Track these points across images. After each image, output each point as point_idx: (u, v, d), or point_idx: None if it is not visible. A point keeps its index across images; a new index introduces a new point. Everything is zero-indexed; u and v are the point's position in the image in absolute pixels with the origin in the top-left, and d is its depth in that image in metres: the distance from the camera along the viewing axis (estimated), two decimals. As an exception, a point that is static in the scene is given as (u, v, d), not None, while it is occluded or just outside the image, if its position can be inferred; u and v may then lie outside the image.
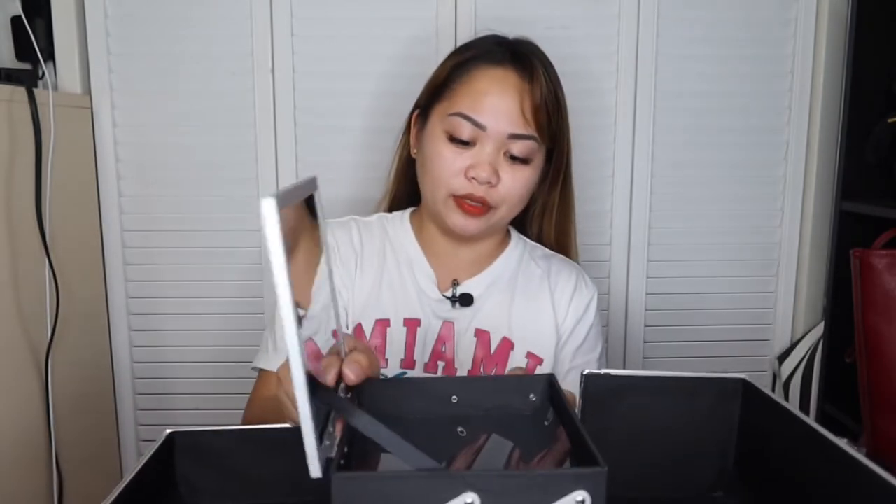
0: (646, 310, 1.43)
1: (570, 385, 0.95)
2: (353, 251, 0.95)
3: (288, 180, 1.35)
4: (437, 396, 0.57)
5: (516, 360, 0.92)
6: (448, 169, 0.87)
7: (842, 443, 0.51)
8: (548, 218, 1.02)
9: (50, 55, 1.28)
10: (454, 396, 0.57)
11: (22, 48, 1.25)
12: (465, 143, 0.87)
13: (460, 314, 0.93)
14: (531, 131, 0.87)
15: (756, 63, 1.36)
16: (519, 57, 0.89)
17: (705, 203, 1.40)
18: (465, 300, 0.93)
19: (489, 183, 0.86)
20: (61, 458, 1.16)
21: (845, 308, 1.22)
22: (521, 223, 1.04)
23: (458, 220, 0.88)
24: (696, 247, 1.42)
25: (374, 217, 1.00)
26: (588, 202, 1.39)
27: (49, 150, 1.12)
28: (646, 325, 1.44)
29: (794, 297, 1.45)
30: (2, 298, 1.05)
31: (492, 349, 0.92)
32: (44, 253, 1.12)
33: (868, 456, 1.13)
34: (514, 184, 0.88)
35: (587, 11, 1.33)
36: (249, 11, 1.30)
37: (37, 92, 1.11)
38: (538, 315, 0.96)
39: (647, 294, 1.43)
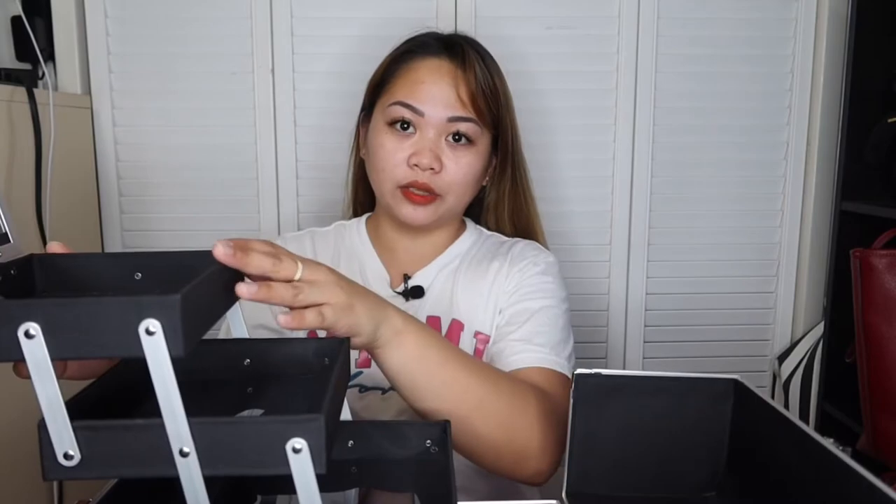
0: (646, 310, 1.43)
1: (521, 361, 0.83)
2: None
3: (288, 180, 1.35)
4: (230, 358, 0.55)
5: (466, 341, 0.90)
6: (391, 159, 0.88)
7: (828, 443, 0.51)
8: (501, 209, 1.01)
9: (50, 55, 1.28)
10: (247, 360, 0.56)
11: (22, 48, 1.25)
12: (406, 130, 0.88)
13: (413, 307, 0.92)
14: (470, 114, 0.88)
15: (756, 63, 1.36)
16: (452, 47, 0.91)
17: (705, 203, 1.40)
18: (416, 292, 0.92)
19: (432, 169, 0.87)
20: (61, 458, 1.16)
21: (845, 308, 1.22)
22: (477, 218, 1.03)
23: (408, 211, 0.88)
24: (696, 247, 1.42)
25: (333, 226, 1.01)
26: (588, 202, 1.39)
27: (49, 150, 1.12)
28: (646, 325, 1.44)
29: (794, 297, 1.45)
30: (2, 298, 1.05)
31: (442, 333, 0.91)
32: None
33: (864, 456, 1.13)
34: (458, 169, 0.89)
35: (587, 11, 1.33)
36: (249, 11, 1.30)
37: (37, 92, 1.11)
38: (480, 292, 0.93)
39: (647, 294, 1.43)
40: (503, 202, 1.01)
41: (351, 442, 0.57)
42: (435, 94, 0.87)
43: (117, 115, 1.33)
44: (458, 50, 0.90)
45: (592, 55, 1.35)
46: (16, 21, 1.24)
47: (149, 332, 0.37)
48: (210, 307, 0.44)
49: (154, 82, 1.32)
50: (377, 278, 0.94)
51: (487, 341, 0.90)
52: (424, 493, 0.56)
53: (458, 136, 0.88)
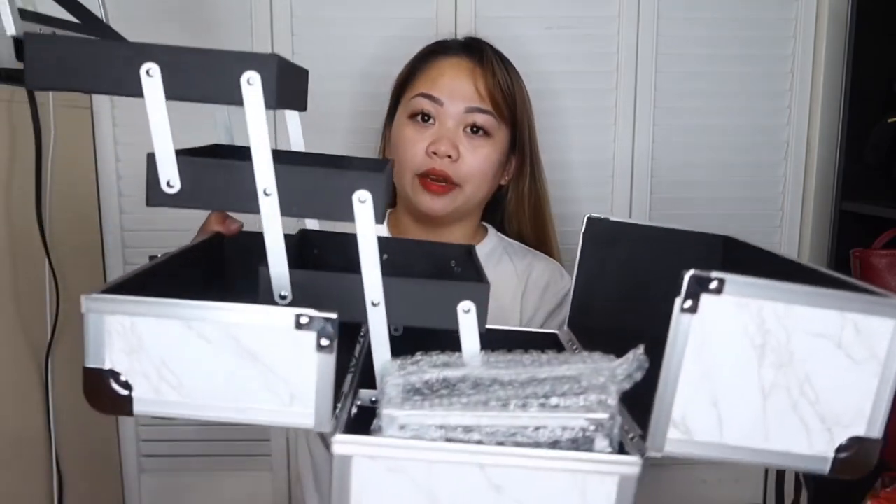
0: (646, 310, 1.43)
1: None
2: None
3: (288, 180, 1.35)
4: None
5: None
6: (411, 148, 0.92)
7: (824, 269, 0.54)
8: (522, 212, 1.05)
9: (50, 55, 1.28)
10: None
11: (22, 48, 1.25)
12: (426, 120, 0.93)
13: None
14: (487, 106, 0.93)
15: (756, 63, 1.36)
16: (471, 47, 0.97)
17: (705, 203, 1.40)
18: None
19: (449, 157, 0.91)
20: (61, 458, 1.16)
21: (845, 308, 1.21)
22: (501, 225, 1.07)
23: (426, 200, 0.92)
24: (696, 247, 1.42)
25: None
26: (588, 202, 1.39)
27: (49, 150, 1.12)
28: (646, 325, 1.44)
29: (794, 297, 1.45)
30: (2, 298, 1.05)
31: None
32: (44, 253, 1.12)
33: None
34: (476, 159, 0.93)
35: (587, 11, 1.33)
36: (249, 11, 1.30)
37: (37, 92, 1.11)
38: (506, 308, 0.97)
39: (647, 294, 1.42)
40: (523, 203, 1.04)
41: (385, 255, 0.61)
42: (454, 86, 0.93)
43: (117, 115, 1.33)
44: (476, 50, 0.96)
45: (592, 55, 1.34)
46: (16, 21, 1.24)
47: (249, 83, 0.43)
48: None
49: (154, 82, 1.32)
50: None
51: None
52: None
53: (475, 128, 0.93)
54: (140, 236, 1.36)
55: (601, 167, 1.38)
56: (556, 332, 0.72)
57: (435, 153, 0.91)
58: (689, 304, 0.42)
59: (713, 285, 0.42)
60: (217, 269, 0.65)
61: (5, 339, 1.06)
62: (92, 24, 0.50)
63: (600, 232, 0.71)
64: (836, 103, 1.36)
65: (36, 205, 1.11)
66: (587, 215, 0.72)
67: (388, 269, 0.56)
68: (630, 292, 0.71)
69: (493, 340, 0.50)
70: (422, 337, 0.51)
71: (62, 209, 1.19)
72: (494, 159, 0.95)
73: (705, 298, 0.42)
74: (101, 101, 1.32)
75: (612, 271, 0.71)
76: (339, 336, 0.42)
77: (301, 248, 0.61)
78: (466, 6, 1.31)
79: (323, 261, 0.61)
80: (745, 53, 1.36)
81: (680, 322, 0.42)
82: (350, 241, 0.58)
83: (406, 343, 0.50)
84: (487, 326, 0.49)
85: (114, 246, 1.36)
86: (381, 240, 0.60)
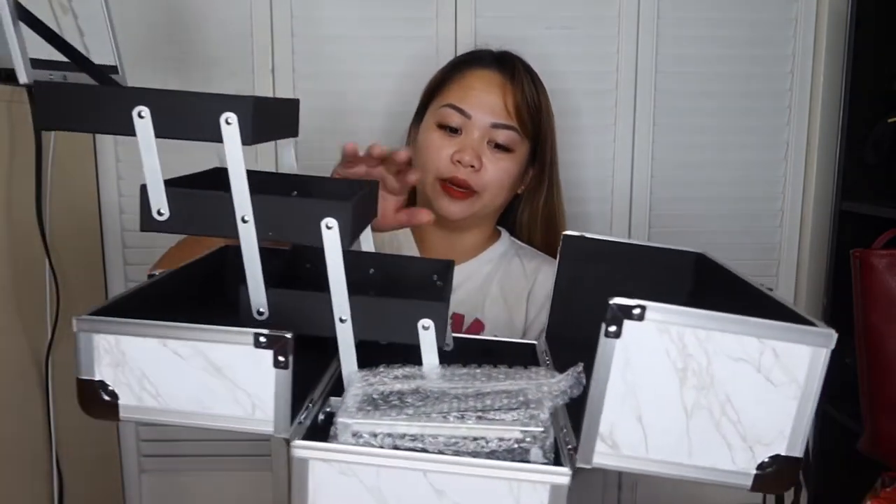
0: (646, 310, 1.43)
1: None
2: None
3: (288, 180, 1.35)
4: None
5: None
6: (436, 154, 0.96)
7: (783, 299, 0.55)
8: (534, 224, 1.08)
9: (50, 55, 1.28)
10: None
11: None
12: (453, 131, 0.96)
13: None
14: (512, 122, 0.96)
15: (756, 63, 1.36)
16: (503, 61, 1.00)
17: (705, 203, 1.40)
18: None
19: (472, 167, 0.94)
20: (61, 459, 1.16)
21: (845, 308, 1.21)
22: (513, 230, 1.10)
23: (445, 204, 0.97)
24: (697, 247, 1.42)
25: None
26: (588, 202, 1.39)
27: (49, 150, 1.12)
28: (646, 325, 1.44)
29: (794, 297, 1.45)
30: (2, 298, 1.05)
31: (462, 329, 0.98)
32: (44, 253, 1.12)
33: (865, 456, 1.13)
34: (497, 171, 0.96)
35: (587, 11, 1.33)
36: (249, 11, 1.30)
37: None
38: (511, 305, 1.01)
39: (647, 294, 1.42)
40: (536, 216, 1.07)
41: (372, 270, 0.66)
42: (483, 99, 0.96)
43: (117, 115, 1.33)
44: (509, 65, 1.00)
45: (592, 55, 1.35)
46: (16, 21, 1.24)
47: (227, 123, 0.48)
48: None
49: (154, 82, 1.31)
50: None
51: None
52: None
53: (499, 143, 0.96)
54: (140, 237, 1.36)
55: (602, 167, 1.38)
56: (535, 342, 0.74)
57: (459, 162, 0.95)
58: (613, 328, 0.45)
59: (636, 312, 0.45)
60: (217, 283, 0.69)
61: (5, 339, 1.06)
62: (88, 67, 0.56)
63: (577, 249, 0.73)
64: (836, 103, 1.36)
65: (36, 205, 1.11)
66: (564, 233, 0.74)
67: (373, 283, 0.61)
68: (603, 306, 0.72)
69: (472, 350, 0.54)
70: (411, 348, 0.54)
71: (62, 209, 1.19)
72: (514, 171, 0.99)
73: (628, 324, 0.45)
74: (101, 101, 1.32)
75: (589, 286, 0.73)
76: (319, 347, 0.47)
77: (295, 263, 0.66)
78: (466, 6, 1.31)
79: (315, 274, 0.64)
80: (745, 53, 1.36)
81: (605, 345, 0.45)
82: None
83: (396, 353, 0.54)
84: (470, 336, 0.53)
85: (114, 246, 1.36)
86: (369, 255, 0.65)
